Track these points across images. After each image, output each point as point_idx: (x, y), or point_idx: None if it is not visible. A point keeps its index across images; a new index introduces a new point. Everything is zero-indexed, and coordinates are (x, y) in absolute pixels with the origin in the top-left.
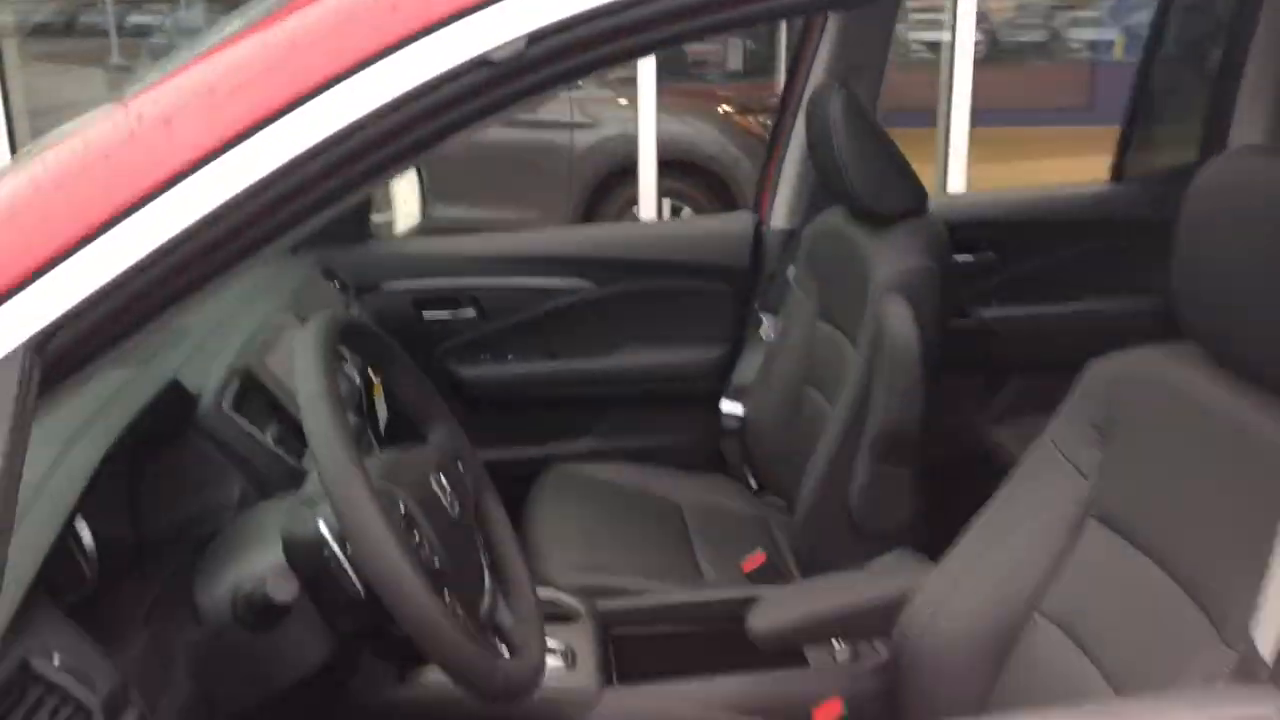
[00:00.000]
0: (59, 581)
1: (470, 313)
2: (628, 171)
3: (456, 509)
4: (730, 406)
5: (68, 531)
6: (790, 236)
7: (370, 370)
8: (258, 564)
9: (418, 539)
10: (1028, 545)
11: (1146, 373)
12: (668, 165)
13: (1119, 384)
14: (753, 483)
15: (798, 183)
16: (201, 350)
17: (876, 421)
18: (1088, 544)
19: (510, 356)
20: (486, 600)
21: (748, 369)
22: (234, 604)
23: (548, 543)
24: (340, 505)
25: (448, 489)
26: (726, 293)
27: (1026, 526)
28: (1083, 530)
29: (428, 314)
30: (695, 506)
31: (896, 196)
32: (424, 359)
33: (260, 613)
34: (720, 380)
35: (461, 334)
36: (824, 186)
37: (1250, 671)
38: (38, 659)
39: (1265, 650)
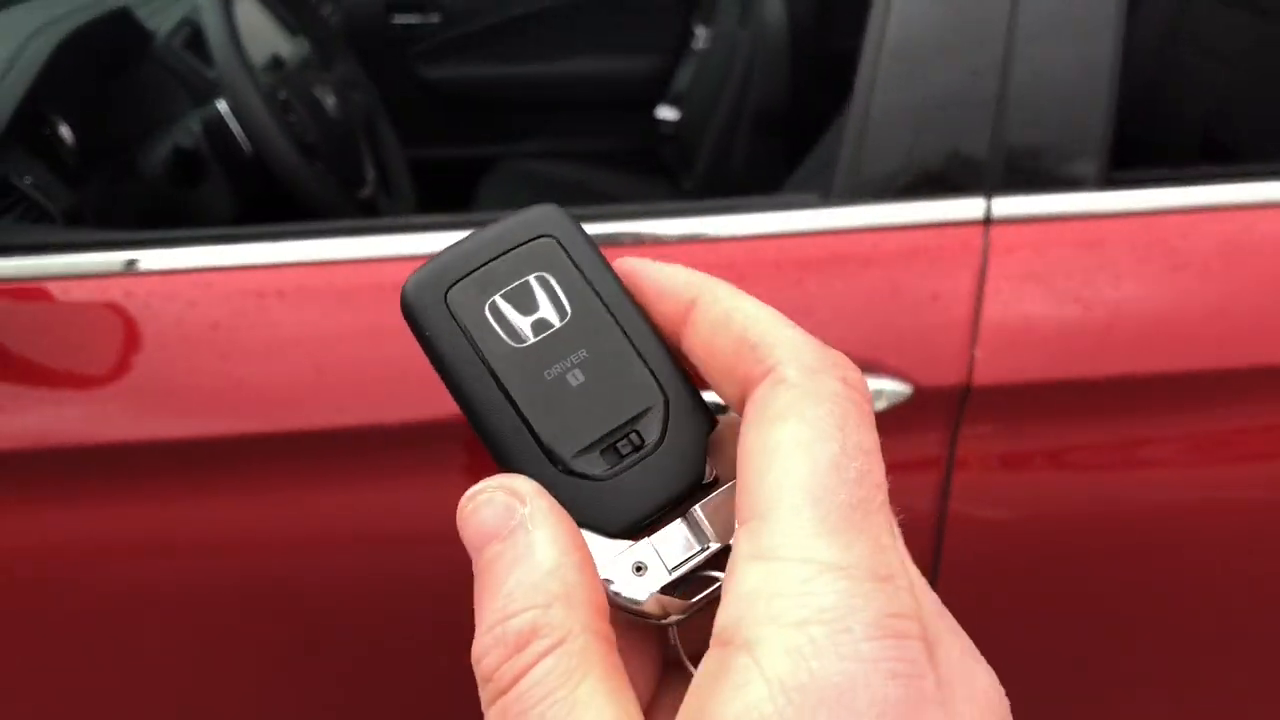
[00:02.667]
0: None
1: (436, 18)
2: None
3: (338, 112)
4: (666, 112)
5: (43, 120)
6: None
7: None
8: (177, 135)
9: (293, 119)
10: None
11: None
12: None
13: None
14: (687, 184)
15: None
16: (168, 4)
17: (753, 101)
18: None
19: (471, 61)
20: (367, 189)
21: (684, 77)
22: (163, 162)
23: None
24: (226, 83)
25: (332, 98)
26: (670, 6)
27: None
28: None
29: (398, 18)
30: (628, 200)
31: None
32: (394, 60)
33: (179, 166)
34: (662, 88)
35: (428, 38)
36: None
37: None
38: (14, 176)
39: None
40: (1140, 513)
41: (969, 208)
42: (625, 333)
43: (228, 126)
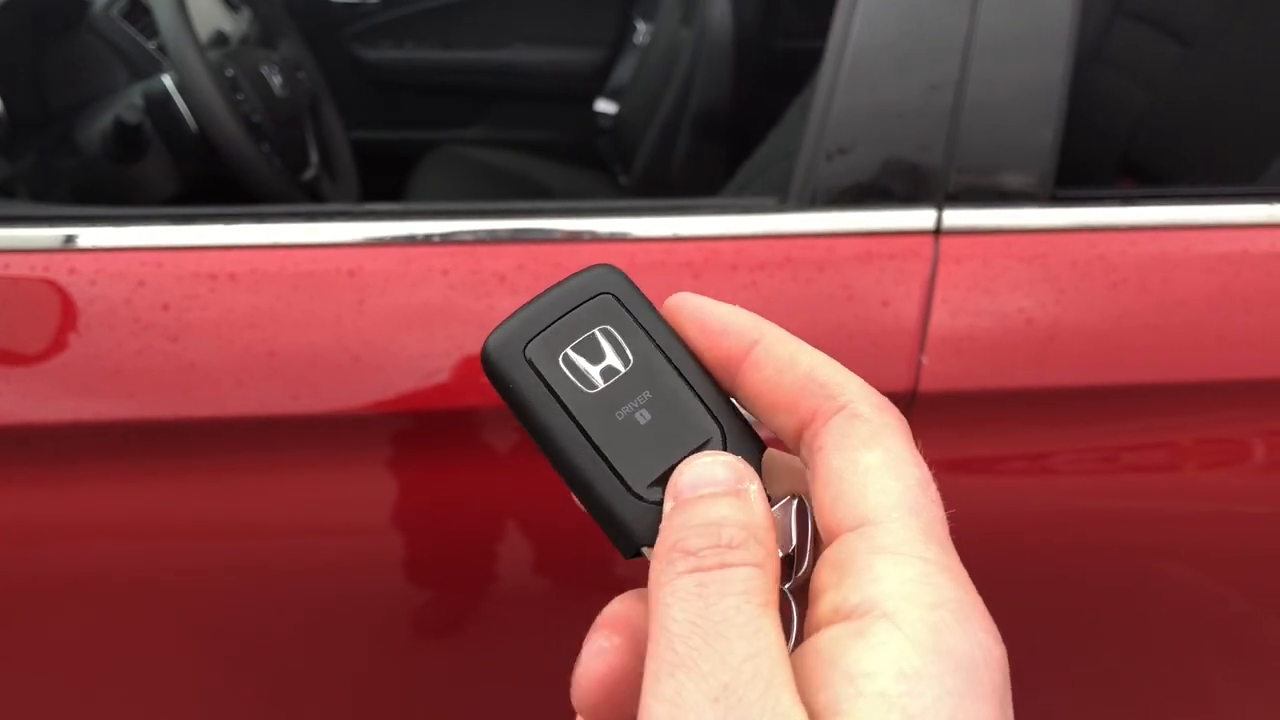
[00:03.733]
0: None
1: None
2: None
3: (285, 93)
4: (605, 105)
5: None
6: None
7: None
8: (119, 107)
9: (241, 98)
10: None
11: None
12: None
13: None
14: (623, 179)
15: None
16: None
17: (695, 101)
18: None
19: (409, 44)
20: (310, 171)
21: (624, 72)
22: (102, 136)
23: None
24: (174, 58)
25: (278, 78)
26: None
27: None
28: None
29: None
30: (564, 192)
31: None
32: (330, 41)
33: (121, 142)
34: (600, 81)
35: (366, 19)
36: None
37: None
38: None
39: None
40: (1077, 520)
41: (921, 218)
42: (680, 373)
43: (173, 102)
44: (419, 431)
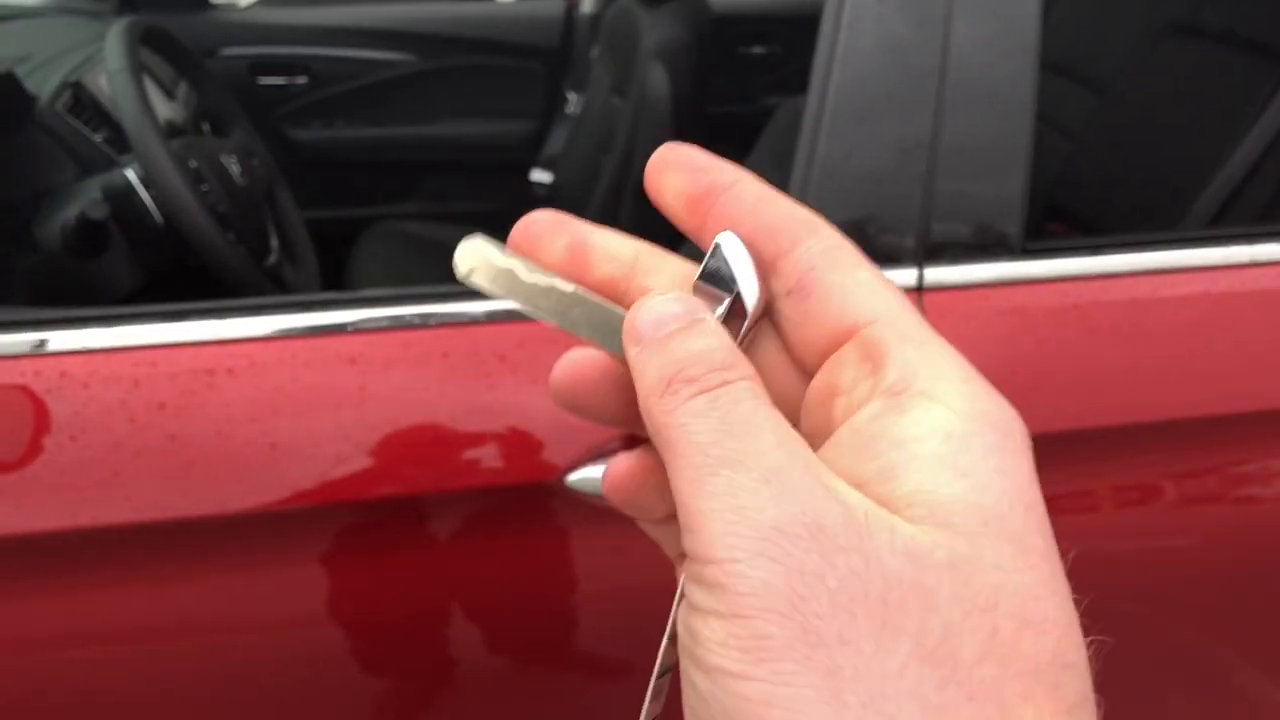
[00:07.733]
0: None
1: (303, 80)
2: None
3: (244, 181)
4: (540, 175)
5: None
6: (596, 20)
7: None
8: (81, 203)
9: (206, 189)
10: None
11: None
12: None
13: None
14: None
15: None
16: (41, 67)
17: (637, 170)
18: None
19: (339, 123)
20: (273, 258)
21: (557, 141)
22: (62, 232)
23: (363, 284)
24: (139, 150)
25: (236, 166)
26: (540, 71)
27: None
28: None
29: (263, 80)
30: None
31: None
32: (259, 123)
33: (83, 238)
34: (533, 152)
35: (295, 100)
36: None
37: None
38: None
39: None
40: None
41: (903, 276)
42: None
43: (136, 195)
44: (431, 516)
